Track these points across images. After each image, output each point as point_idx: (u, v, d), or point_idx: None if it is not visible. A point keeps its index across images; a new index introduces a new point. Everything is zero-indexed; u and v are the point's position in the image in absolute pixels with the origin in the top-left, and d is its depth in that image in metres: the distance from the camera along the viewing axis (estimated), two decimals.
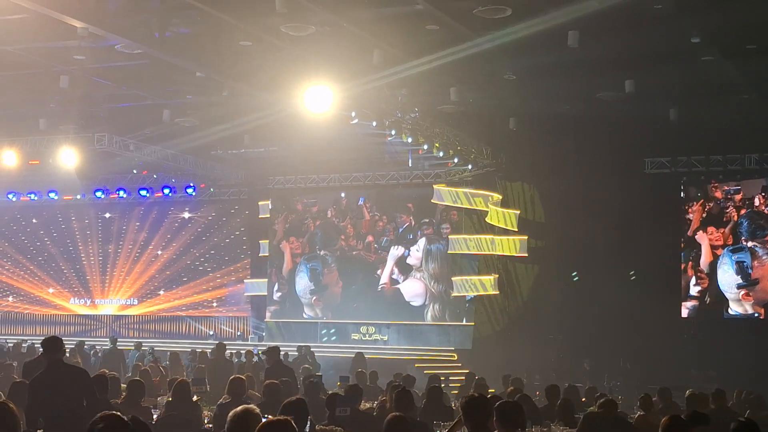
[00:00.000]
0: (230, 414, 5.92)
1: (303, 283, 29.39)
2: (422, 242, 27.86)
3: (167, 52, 17.84)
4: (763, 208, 24.67)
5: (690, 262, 25.27)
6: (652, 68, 19.34)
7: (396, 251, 28.16)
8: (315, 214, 29.58)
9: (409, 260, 27.98)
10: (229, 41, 17.81)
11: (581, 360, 23.62)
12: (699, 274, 25.15)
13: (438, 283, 27.47)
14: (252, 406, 6.28)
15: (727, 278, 24.76)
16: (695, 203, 25.27)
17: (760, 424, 8.44)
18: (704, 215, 25.15)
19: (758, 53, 18.55)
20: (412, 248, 27.96)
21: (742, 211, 24.81)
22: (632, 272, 25.43)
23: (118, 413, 5.28)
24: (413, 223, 28.12)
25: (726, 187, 25.03)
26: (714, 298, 24.79)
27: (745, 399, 14.66)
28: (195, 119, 23.71)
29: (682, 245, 25.23)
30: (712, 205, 25.11)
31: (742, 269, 24.56)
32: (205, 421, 11.35)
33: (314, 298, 29.12)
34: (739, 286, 24.56)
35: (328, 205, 29.44)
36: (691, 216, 25.28)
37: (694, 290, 25.21)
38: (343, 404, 10.34)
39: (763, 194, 24.63)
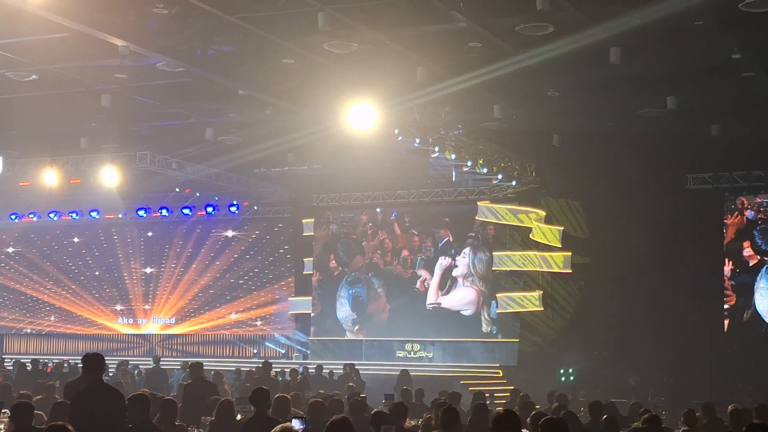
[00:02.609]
0: None
1: (345, 311, 29.38)
2: (468, 250, 27.86)
3: (209, 71, 17.93)
4: None
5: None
6: (693, 84, 19.28)
7: (444, 261, 28.12)
8: (349, 229, 29.65)
9: (455, 271, 27.91)
10: (272, 59, 17.88)
11: (627, 376, 23.48)
12: (726, 291, 24.85)
13: (487, 283, 27.44)
14: (289, 424, 6.32)
15: (766, 304, 24.35)
16: (731, 217, 24.97)
17: None
18: (739, 228, 24.84)
19: None
20: (458, 257, 27.92)
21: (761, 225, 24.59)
22: None
23: None
24: (452, 238, 28.06)
25: (758, 200, 24.74)
26: (753, 317, 24.38)
27: None
28: (238, 137, 23.78)
29: (727, 262, 24.91)
30: (743, 218, 24.80)
31: None
32: None
33: (356, 327, 29.09)
34: None
35: (361, 221, 29.52)
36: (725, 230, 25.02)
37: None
38: (388, 422, 10.24)
39: None
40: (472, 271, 27.76)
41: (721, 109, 21.05)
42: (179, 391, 15.75)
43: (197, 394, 12.68)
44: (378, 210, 29.31)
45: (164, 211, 31.15)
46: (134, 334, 33.06)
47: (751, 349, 23.66)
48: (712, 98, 20.29)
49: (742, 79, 19.10)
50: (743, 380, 22.30)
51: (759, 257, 24.50)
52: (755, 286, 24.40)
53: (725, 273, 24.87)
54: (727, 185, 25.05)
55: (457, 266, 27.96)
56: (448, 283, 27.98)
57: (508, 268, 26.95)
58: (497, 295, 27.03)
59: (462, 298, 27.80)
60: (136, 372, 24.63)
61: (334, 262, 29.71)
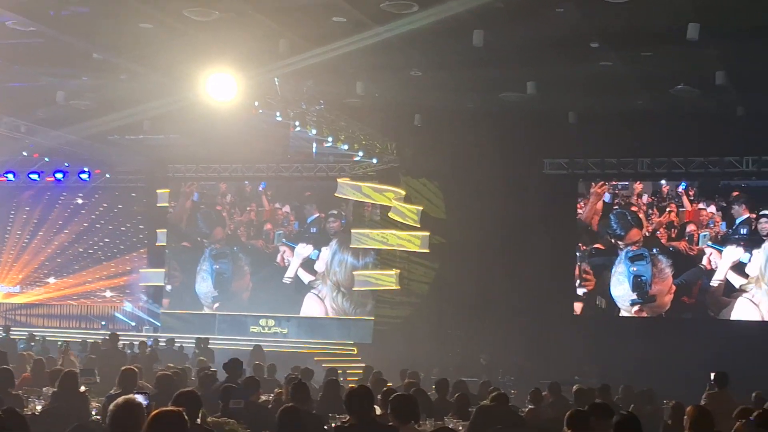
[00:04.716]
0: (111, 405, 5.82)
1: (206, 286, 28.58)
2: (333, 243, 27.49)
3: (63, 31, 17.32)
4: (637, 209, 24.94)
5: (578, 264, 25.48)
6: (553, 71, 19.61)
7: (303, 250, 27.72)
8: (210, 200, 29.10)
9: (316, 265, 27.49)
10: (129, 23, 17.30)
11: (479, 355, 23.82)
12: (584, 275, 25.38)
13: (343, 297, 27.10)
14: (133, 396, 6.22)
15: (620, 291, 24.68)
16: (586, 202, 25.49)
17: (645, 419, 8.62)
18: (594, 213, 25.37)
19: (653, 61, 19.01)
20: (323, 249, 27.51)
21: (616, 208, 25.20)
22: None
23: None
24: (320, 214, 27.78)
25: (615, 182, 25.38)
26: (606, 303, 24.92)
27: (628, 394, 15.16)
28: (91, 102, 23.02)
29: (581, 246, 25.50)
30: (599, 202, 25.34)
31: (639, 285, 24.39)
32: (93, 413, 11.04)
33: (216, 305, 28.45)
34: (634, 303, 24.54)
35: (219, 190, 28.97)
36: (581, 211, 25.49)
37: (579, 291, 25.36)
38: (237, 396, 10.21)
39: (646, 196, 24.94)
40: (329, 273, 27.37)
41: (579, 96, 21.49)
42: None
43: None
44: (246, 183, 28.85)
45: (10, 176, 29.96)
46: None
47: (600, 332, 24.23)
48: (571, 85, 20.73)
49: (599, 68, 19.47)
50: (590, 362, 22.86)
51: (613, 241, 25.09)
52: (612, 271, 24.90)
53: (578, 257, 25.41)
54: (581, 171, 25.59)
55: (317, 259, 27.58)
56: (309, 271, 27.58)
57: (365, 246, 26.96)
58: (354, 272, 26.98)
59: (310, 311, 27.45)
60: None
61: (193, 233, 29.14)
